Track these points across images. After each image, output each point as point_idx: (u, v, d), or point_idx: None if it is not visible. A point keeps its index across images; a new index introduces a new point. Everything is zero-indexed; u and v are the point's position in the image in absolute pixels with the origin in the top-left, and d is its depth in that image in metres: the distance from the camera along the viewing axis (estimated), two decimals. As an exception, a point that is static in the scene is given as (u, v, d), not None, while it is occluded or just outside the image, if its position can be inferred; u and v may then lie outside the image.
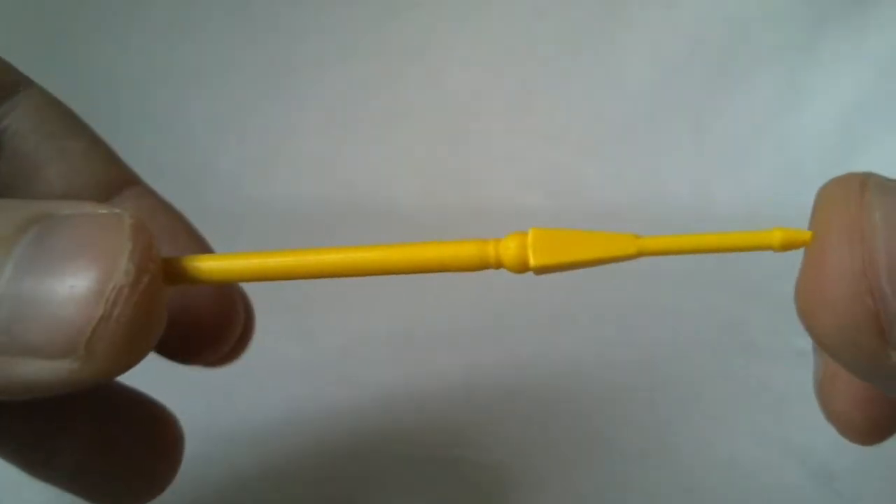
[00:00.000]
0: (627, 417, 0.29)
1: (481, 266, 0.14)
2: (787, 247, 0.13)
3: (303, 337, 0.36)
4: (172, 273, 0.13)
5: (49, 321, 0.11)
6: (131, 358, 0.12)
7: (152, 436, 0.18)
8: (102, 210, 0.12)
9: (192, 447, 0.27)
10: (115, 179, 0.17)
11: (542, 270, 0.13)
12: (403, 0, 0.59)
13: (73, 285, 0.11)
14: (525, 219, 0.59)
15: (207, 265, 0.13)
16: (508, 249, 0.13)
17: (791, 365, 0.33)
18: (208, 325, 0.17)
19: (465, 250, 0.14)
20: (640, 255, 0.14)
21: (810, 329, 0.12)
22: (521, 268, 0.13)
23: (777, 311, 0.38)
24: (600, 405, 0.30)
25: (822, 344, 0.12)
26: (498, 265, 0.14)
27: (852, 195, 0.12)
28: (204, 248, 0.17)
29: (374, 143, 0.59)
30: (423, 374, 0.32)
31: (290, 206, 0.55)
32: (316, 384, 0.31)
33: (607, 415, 0.29)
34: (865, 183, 0.12)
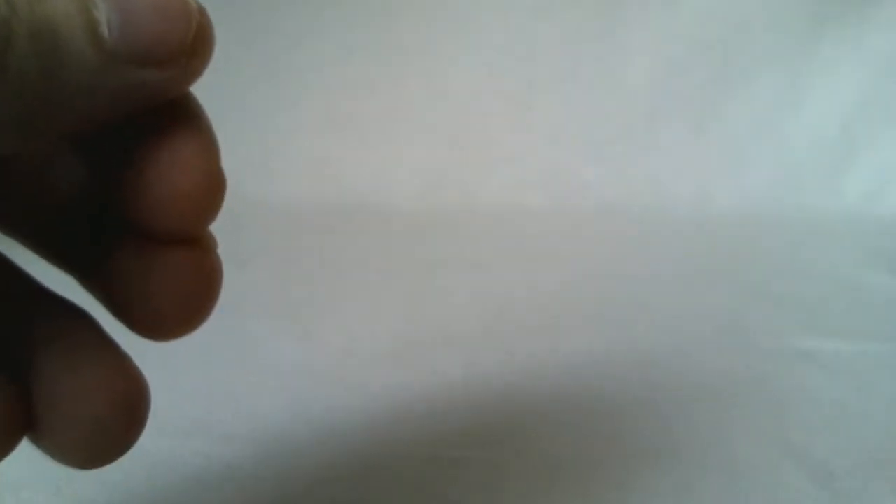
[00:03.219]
0: (627, 417, 0.29)
1: None
2: None
3: (303, 337, 0.36)
4: None
5: (163, 28, 0.14)
6: (206, 63, 0.15)
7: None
8: None
9: (192, 447, 0.27)
10: None
11: None
12: (403, 0, 0.59)
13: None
14: (525, 219, 0.59)
15: None
16: None
17: (791, 365, 0.33)
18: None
19: None
20: None
21: None
22: None
23: (777, 311, 0.39)
24: (600, 405, 0.30)
25: None
26: None
27: None
28: None
29: (374, 143, 0.59)
30: (423, 374, 0.32)
31: (290, 206, 0.55)
32: (316, 384, 0.31)
33: (607, 415, 0.29)
34: None
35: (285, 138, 0.59)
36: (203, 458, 0.26)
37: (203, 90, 0.16)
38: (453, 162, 0.58)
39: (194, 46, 0.14)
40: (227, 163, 0.15)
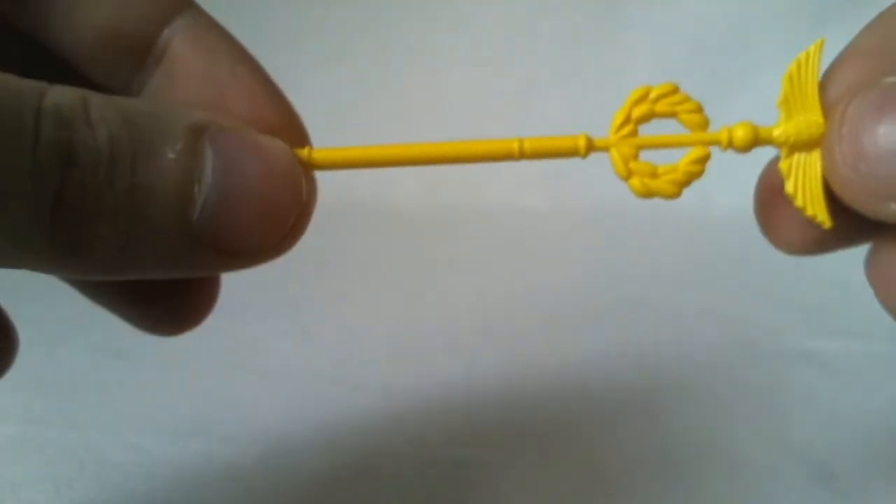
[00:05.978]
0: (627, 417, 0.29)
1: None
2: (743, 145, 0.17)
3: (303, 337, 0.36)
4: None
5: (262, 225, 0.13)
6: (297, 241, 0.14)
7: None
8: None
9: (192, 447, 0.27)
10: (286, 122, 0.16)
11: None
12: (403, 0, 0.59)
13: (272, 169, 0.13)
14: (525, 219, 0.59)
15: (327, 155, 0.16)
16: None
17: (791, 365, 0.33)
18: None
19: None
20: None
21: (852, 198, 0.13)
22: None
23: (777, 311, 0.39)
24: (600, 405, 0.30)
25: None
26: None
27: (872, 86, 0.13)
28: (269, 85, 0.17)
29: (373, 143, 0.59)
30: (423, 374, 0.32)
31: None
32: (316, 384, 0.31)
33: (607, 414, 0.29)
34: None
35: (285, 138, 0.59)
36: (203, 458, 0.26)
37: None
38: (453, 162, 0.58)
39: (290, 233, 0.13)
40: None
